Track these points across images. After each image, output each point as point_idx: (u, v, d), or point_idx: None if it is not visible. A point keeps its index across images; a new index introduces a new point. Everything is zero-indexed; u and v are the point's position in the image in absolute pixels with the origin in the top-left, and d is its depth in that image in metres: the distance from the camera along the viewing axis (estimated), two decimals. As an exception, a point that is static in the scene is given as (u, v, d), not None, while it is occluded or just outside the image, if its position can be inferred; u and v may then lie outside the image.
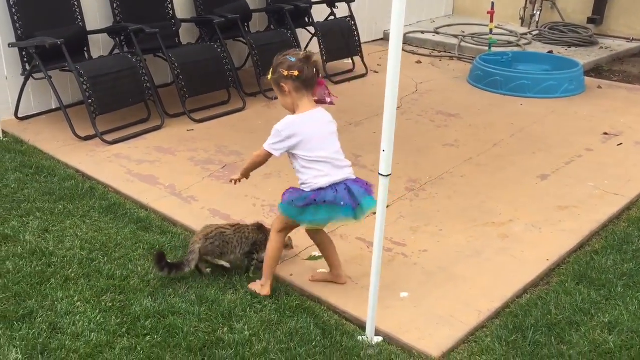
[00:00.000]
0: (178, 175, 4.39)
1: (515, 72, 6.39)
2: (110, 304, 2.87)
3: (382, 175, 2.51)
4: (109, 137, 4.98)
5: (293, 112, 2.91)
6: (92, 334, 2.66)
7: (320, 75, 2.92)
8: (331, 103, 2.97)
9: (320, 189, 2.82)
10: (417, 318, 2.91)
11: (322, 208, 2.83)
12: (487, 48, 7.45)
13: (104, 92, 4.97)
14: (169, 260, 3.03)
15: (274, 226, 3.07)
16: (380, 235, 2.62)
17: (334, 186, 2.83)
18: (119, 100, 5.12)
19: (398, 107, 5.75)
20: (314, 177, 2.84)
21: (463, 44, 7.95)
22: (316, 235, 3.11)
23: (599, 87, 6.59)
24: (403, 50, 8.10)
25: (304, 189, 2.89)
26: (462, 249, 3.49)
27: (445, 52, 8.00)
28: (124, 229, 3.59)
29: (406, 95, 6.25)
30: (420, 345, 2.73)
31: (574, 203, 4.01)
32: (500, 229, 3.71)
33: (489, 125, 5.45)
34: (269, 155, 2.94)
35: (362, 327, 2.86)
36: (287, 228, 3.05)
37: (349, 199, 2.80)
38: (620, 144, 5.03)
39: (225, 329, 2.74)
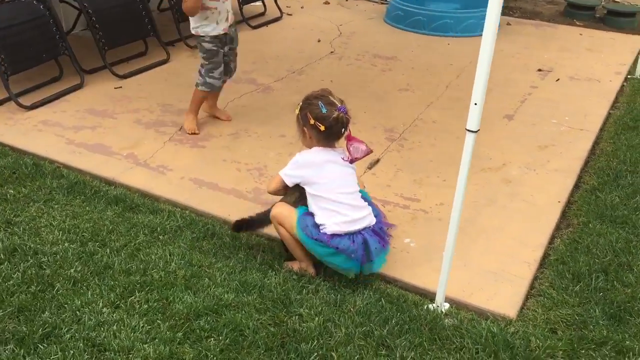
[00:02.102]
0: (132, 142, 3.81)
1: (438, 11, 6.33)
2: (146, 306, 2.40)
3: (469, 130, 2.28)
4: (24, 101, 4.20)
5: None
6: (146, 345, 2.20)
7: (346, 132, 2.64)
8: (364, 155, 2.67)
9: (336, 234, 2.57)
10: (473, 278, 2.78)
11: (330, 249, 2.57)
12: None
13: (14, 47, 4.14)
14: (248, 217, 2.77)
15: (274, 220, 2.68)
16: (460, 198, 2.41)
17: (351, 236, 2.58)
18: (31, 56, 4.30)
19: (331, 52, 5.50)
20: (329, 219, 2.58)
21: (365, -18, 7.74)
22: None
23: (508, 24, 6.76)
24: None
25: (321, 230, 2.59)
26: (476, 199, 3.39)
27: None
28: (106, 212, 3.04)
29: (333, 38, 5.96)
30: (492, 307, 2.60)
31: (550, 142, 4.06)
32: (499, 174, 3.66)
33: (430, 67, 5.37)
34: (283, 182, 2.70)
35: (419, 294, 2.68)
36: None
37: (362, 253, 2.57)
38: (558, 79, 5.20)
39: (294, 317, 2.41)
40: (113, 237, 2.83)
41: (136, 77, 4.81)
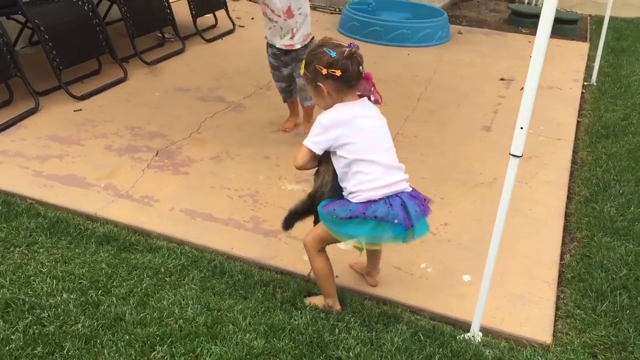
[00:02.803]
0: (107, 171, 3.52)
1: (395, 22, 6.30)
2: (172, 361, 2.17)
3: (513, 155, 2.20)
4: (-26, 130, 3.81)
5: None
6: (185, 410, 1.98)
7: (363, 69, 2.35)
8: (376, 102, 2.44)
9: (371, 201, 2.31)
10: (500, 302, 2.70)
11: (368, 223, 2.31)
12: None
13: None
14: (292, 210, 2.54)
15: (309, 244, 2.50)
16: (501, 224, 2.32)
17: (387, 199, 2.32)
18: (-18, 79, 3.91)
19: (295, 65, 5.33)
20: (363, 185, 2.32)
21: (312, -8, 7.62)
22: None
23: (460, 32, 6.83)
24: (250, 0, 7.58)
25: (351, 199, 2.35)
26: (477, 217, 3.33)
27: (293, 1, 7.60)
28: (99, 253, 2.76)
29: (293, 50, 5.80)
30: (526, 333, 2.53)
31: (532, 153, 4.08)
32: (493, 189, 3.62)
33: (397, 79, 5.31)
34: (311, 153, 2.37)
35: (449, 323, 2.57)
36: (326, 244, 2.52)
37: (404, 217, 2.31)
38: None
39: (336, 363, 2.24)
40: (115, 283, 2.56)
41: (95, 98, 4.48)
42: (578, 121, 4.68)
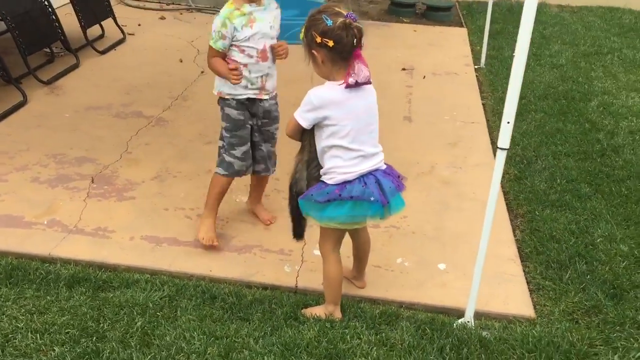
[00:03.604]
0: (44, 206, 3.26)
1: (290, 20, 6.29)
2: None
3: (501, 148, 2.34)
4: None
5: (330, 81, 2.35)
6: None
7: (361, 44, 2.27)
8: (346, 83, 2.31)
9: (346, 182, 2.34)
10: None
11: (346, 204, 2.34)
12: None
13: None
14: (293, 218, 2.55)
15: (321, 247, 2.55)
16: (491, 214, 2.47)
17: (361, 178, 2.36)
18: None
19: (202, 72, 5.22)
20: (338, 168, 2.34)
21: (192, -7, 7.45)
22: (356, 234, 2.69)
23: (348, 25, 6.99)
24: (128, 5, 7.23)
25: (326, 181, 2.37)
26: (432, 205, 3.50)
27: (174, 4, 7.38)
28: (74, 297, 2.57)
29: (194, 56, 5.65)
30: (512, 311, 2.71)
31: (456, 138, 4.32)
32: (434, 176, 3.81)
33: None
34: (299, 125, 2.35)
35: (443, 312, 2.70)
36: (339, 240, 2.56)
37: (379, 194, 2.34)
38: (424, 76, 5.54)
39: (360, 371, 2.28)
40: (106, 327, 2.40)
41: (-1, 127, 4.10)
42: (483, 104, 5.01)
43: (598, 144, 4.23)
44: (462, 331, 2.53)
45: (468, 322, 2.62)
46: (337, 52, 2.23)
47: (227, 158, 2.94)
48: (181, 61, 5.50)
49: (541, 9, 7.87)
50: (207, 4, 7.30)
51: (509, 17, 7.50)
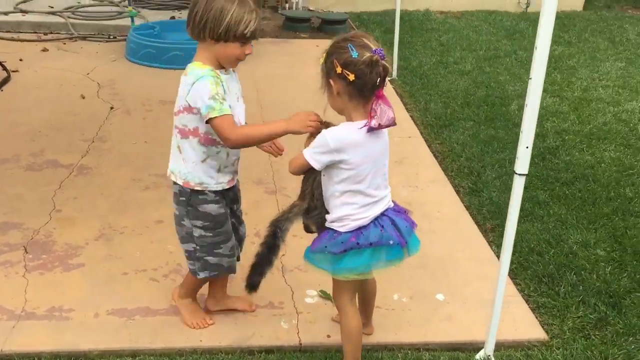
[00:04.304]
0: (-25, 289, 2.73)
1: (166, 44, 5.90)
2: None
3: (520, 174, 2.24)
4: None
5: (344, 115, 2.14)
6: None
7: (385, 84, 2.06)
8: (369, 126, 2.05)
9: (361, 227, 2.15)
10: (482, 313, 2.76)
11: (365, 252, 2.14)
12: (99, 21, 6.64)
13: None
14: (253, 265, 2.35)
15: (337, 299, 2.33)
16: (509, 246, 2.37)
17: (376, 221, 2.17)
18: None
19: (112, 108, 4.78)
20: (354, 214, 2.14)
21: (72, 20, 6.83)
22: (362, 283, 2.43)
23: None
24: (0, 38, 6.46)
25: (338, 229, 2.16)
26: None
27: (52, 33, 6.73)
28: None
29: (96, 90, 5.14)
30: (524, 335, 2.64)
31: (400, 155, 4.20)
32: (395, 198, 3.67)
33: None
34: (309, 165, 2.12)
35: (459, 349, 2.57)
36: (355, 290, 2.33)
37: (397, 236, 2.17)
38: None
39: None
40: None
41: None
42: (410, 116, 4.98)
43: (534, 148, 4.32)
44: (488, 368, 2.41)
45: (489, 356, 2.50)
46: (357, 88, 2.02)
47: (212, 260, 2.41)
48: (83, 97, 4.97)
49: (429, 17, 8.10)
50: (91, 31, 6.73)
51: (402, 26, 7.61)
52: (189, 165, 2.28)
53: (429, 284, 2.92)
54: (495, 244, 3.29)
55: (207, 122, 2.14)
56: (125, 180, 3.74)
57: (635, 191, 3.81)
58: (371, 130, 2.03)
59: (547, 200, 3.67)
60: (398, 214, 2.25)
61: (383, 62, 2.02)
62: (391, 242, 2.15)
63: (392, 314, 2.72)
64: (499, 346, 2.57)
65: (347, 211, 2.14)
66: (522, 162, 2.21)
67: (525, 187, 3.76)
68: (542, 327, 2.70)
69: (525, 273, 3.04)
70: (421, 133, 4.65)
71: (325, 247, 2.16)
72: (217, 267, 2.44)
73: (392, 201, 2.30)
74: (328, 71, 2.06)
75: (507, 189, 3.74)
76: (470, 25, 7.77)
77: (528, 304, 2.84)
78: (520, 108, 5.01)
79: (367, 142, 2.08)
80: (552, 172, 4.01)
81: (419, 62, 6.29)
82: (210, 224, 2.36)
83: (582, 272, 3.01)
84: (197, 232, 2.37)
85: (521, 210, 3.48)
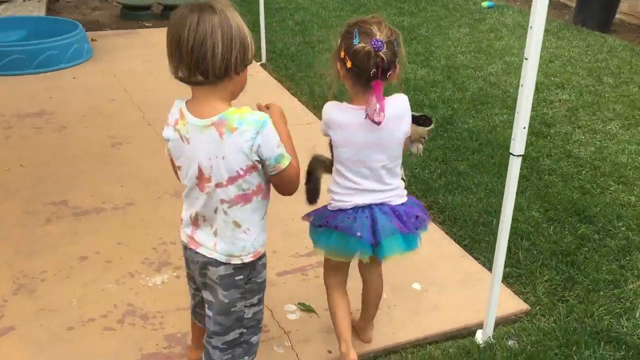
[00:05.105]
0: None
1: (44, 43, 5.16)
2: None
3: (517, 155, 2.21)
4: None
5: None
6: None
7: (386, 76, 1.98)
8: (374, 121, 1.97)
9: (341, 210, 2.13)
10: (459, 296, 2.75)
11: (333, 234, 2.14)
12: None
13: None
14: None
15: (323, 278, 2.35)
16: (507, 227, 2.35)
17: (355, 210, 2.12)
18: None
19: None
20: (336, 193, 2.14)
21: None
22: (365, 270, 2.32)
23: (93, 39, 6.08)
24: None
25: (328, 205, 2.18)
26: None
27: None
28: None
29: None
30: (509, 309, 2.65)
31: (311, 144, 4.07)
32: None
33: (95, 110, 4.51)
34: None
35: (454, 336, 2.53)
36: (336, 272, 2.29)
37: (369, 232, 2.10)
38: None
39: None
40: None
41: None
42: (299, 101, 4.83)
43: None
44: (491, 349, 2.41)
45: (490, 337, 2.50)
46: (355, 75, 1.99)
47: (256, 339, 1.98)
48: None
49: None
50: None
51: (250, 6, 7.37)
52: (253, 232, 1.84)
53: (400, 275, 2.84)
54: (438, 222, 3.30)
55: (273, 175, 1.78)
56: (17, 215, 3.16)
57: (538, 150, 4.05)
58: (375, 122, 1.97)
59: (467, 170, 3.76)
60: (391, 212, 2.14)
61: (380, 53, 1.92)
62: (358, 234, 2.09)
63: (381, 314, 2.59)
64: (488, 323, 2.58)
65: (333, 187, 2.16)
66: (519, 143, 2.18)
67: (442, 160, 3.89)
68: (519, 297, 2.75)
69: (480, 246, 3.08)
70: (318, 118, 4.52)
71: (313, 218, 2.22)
72: (257, 346, 2.00)
73: (411, 201, 2.22)
74: (336, 53, 2.04)
75: (427, 164, 3.80)
76: (315, 2, 7.73)
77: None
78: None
79: (352, 128, 2.03)
80: (459, 141, 4.12)
81: (283, 44, 6.12)
82: (262, 294, 1.95)
83: (530, 236, 3.13)
84: (250, 312, 1.91)
85: (448, 183, 3.60)
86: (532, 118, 4.46)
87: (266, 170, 1.76)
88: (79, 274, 2.74)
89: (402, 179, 2.23)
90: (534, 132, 4.28)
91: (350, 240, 2.10)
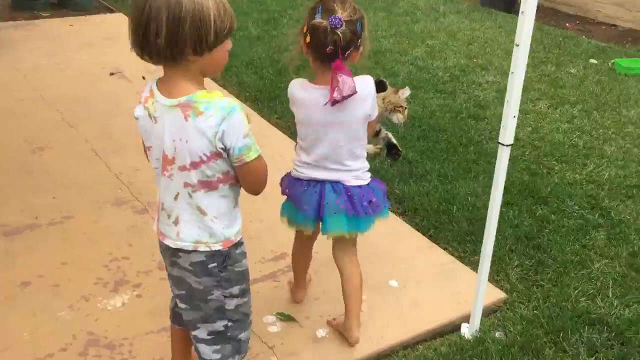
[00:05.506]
0: None
1: None
2: None
3: (505, 145, 2.15)
4: None
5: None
6: None
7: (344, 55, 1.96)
8: (331, 100, 1.98)
9: (297, 180, 2.20)
10: (440, 288, 2.69)
11: (288, 203, 2.25)
12: None
13: None
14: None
15: None
16: (493, 226, 2.30)
17: (309, 183, 2.17)
18: None
19: None
20: (298, 163, 2.19)
21: None
22: (339, 259, 2.30)
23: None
24: None
25: (291, 172, 2.25)
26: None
27: None
28: None
29: None
30: (488, 299, 2.60)
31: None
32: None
33: (6, 113, 4.07)
34: None
35: (442, 334, 2.47)
36: (300, 241, 2.40)
37: (314, 206, 2.14)
38: (144, 77, 4.76)
39: None
40: None
41: None
42: (229, 93, 4.60)
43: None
44: (481, 342, 2.37)
45: (477, 330, 2.46)
46: (313, 51, 1.99)
47: (245, 335, 1.87)
48: None
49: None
50: None
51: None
52: (224, 220, 1.73)
53: (375, 273, 2.74)
54: (399, 213, 3.23)
55: (237, 166, 1.67)
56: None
57: (480, 134, 4.07)
58: (335, 103, 1.98)
59: (416, 157, 3.71)
60: (343, 191, 2.14)
61: (338, 31, 1.92)
62: (305, 207, 2.15)
63: (364, 317, 2.48)
64: (475, 317, 2.54)
65: (295, 158, 2.20)
66: (509, 133, 2.12)
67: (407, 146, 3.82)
68: (493, 285, 2.73)
69: (445, 235, 3.04)
70: (254, 110, 4.32)
71: (284, 182, 2.27)
72: (246, 343, 1.90)
73: (366, 187, 2.19)
74: (300, 28, 2.03)
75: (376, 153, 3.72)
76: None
77: (469, 267, 2.85)
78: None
79: (313, 106, 2.04)
80: (402, 128, 4.06)
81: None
82: (245, 285, 1.83)
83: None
84: (231, 304, 1.80)
85: (401, 173, 3.54)
86: (465, 101, 4.56)
87: (230, 159, 1.65)
88: (25, 303, 2.43)
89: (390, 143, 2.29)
90: (472, 115, 4.32)
91: (298, 211, 2.19)
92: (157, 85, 1.65)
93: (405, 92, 2.71)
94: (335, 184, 2.14)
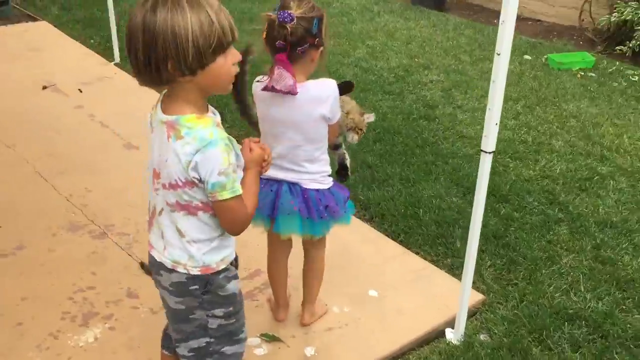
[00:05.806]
0: None
1: None
2: None
3: (488, 152, 2.16)
4: None
5: None
6: None
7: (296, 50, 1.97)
8: (286, 91, 1.99)
9: (261, 177, 2.09)
10: (420, 295, 2.68)
11: None
12: None
13: None
14: None
15: None
16: (477, 231, 2.30)
17: (268, 181, 2.16)
18: None
19: None
20: None
21: None
22: (307, 245, 2.37)
23: None
24: None
25: None
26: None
27: None
28: None
29: None
30: (469, 301, 2.62)
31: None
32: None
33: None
34: None
35: (425, 340, 2.46)
36: (270, 239, 2.35)
37: (269, 205, 2.14)
38: (80, 90, 4.53)
39: None
40: None
41: None
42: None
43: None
44: (467, 346, 2.38)
45: (462, 335, 2.46)
46: (268, 45, 2.00)
47: (230, 349, 1.80)
48: None
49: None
50: None
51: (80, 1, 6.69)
52: (201, 247, 1.65)
53: (353, 283, 2.71)
54: (366, 219, 3.21)
55: (211, 201, 1.60)
56: None
57: (433, 134, 4.10)
58: (265, 89, 2.00)
59: (376, 162, 3.70)
60: (300, 193, 2.14)
61: (288, 26, 1.91)
62: (260, 204, 2.03)
63: (350, 331, 2.45)
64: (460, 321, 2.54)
65: None
66: (491, 140, 2.13)
67: (349, 153, 3.78)
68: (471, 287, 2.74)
69: (415, 240, 3.04)
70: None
71: None
72: (235, 357, 1.84)
73: (325, 191, 2.19)
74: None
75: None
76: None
77: (443, 270, 2.85)
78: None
79: (265, 101, 2.06)
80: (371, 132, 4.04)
81: (135, 40, 5.59)
82: (232, 308, 1.77)
83: (460, 222, 3.14)
84: (214, 323, 1.75)
85: (363, 178, 3.52)
86: (414, 102, 4.59)
87: (205, 192, 1.58)
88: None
89: (342, 164, 2.49)
90: (422, 116, 4.34)
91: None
92: (162, 96, 1.61)
93: (371, 117, 2.69)
94: (292, 185, 2.15)
